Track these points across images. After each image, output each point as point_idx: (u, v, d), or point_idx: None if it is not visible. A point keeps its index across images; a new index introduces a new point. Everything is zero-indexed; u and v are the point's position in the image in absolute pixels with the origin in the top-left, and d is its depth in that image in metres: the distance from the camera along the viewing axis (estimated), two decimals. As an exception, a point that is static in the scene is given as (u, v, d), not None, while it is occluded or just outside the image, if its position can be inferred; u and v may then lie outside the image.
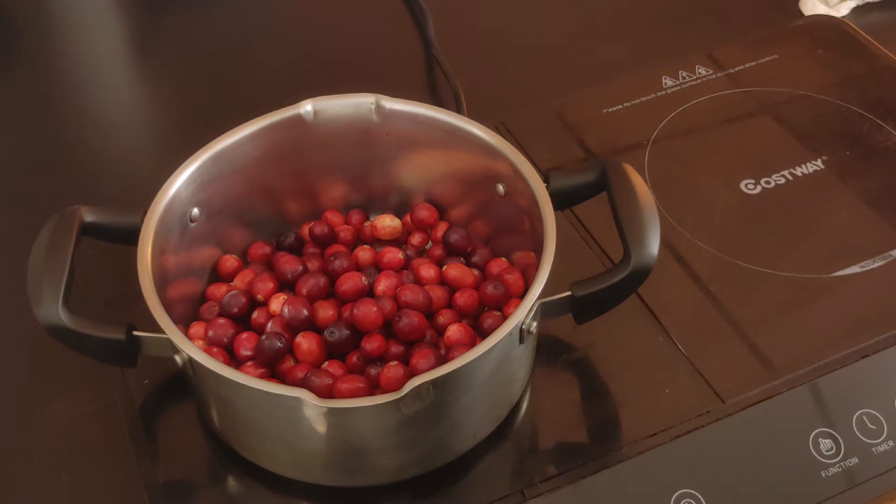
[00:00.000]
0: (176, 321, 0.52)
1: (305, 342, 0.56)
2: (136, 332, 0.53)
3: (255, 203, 0.64)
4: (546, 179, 0.58)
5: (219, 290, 0.62)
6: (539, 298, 0.52)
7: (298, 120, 0.62)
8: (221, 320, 0.58)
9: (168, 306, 0.53)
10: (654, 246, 0.54)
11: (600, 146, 0.76)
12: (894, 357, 0.62)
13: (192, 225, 0.60)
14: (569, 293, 0.54)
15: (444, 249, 0.64)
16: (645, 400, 0.60)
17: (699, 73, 0.83)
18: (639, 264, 0.53)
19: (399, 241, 0.65)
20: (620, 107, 0.80)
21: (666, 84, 0.81)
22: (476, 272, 0.62)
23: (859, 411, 0.59)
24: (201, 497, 0.57)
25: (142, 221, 0.56)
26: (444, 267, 0.61)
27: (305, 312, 0.57)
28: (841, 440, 0.58)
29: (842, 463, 0.57)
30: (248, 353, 0.57)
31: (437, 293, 0.60)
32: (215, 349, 0.57)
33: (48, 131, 0.81)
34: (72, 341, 0.52)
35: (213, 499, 0.57)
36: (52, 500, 0.56)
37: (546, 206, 0.56)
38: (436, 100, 0.82)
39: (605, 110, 0.79)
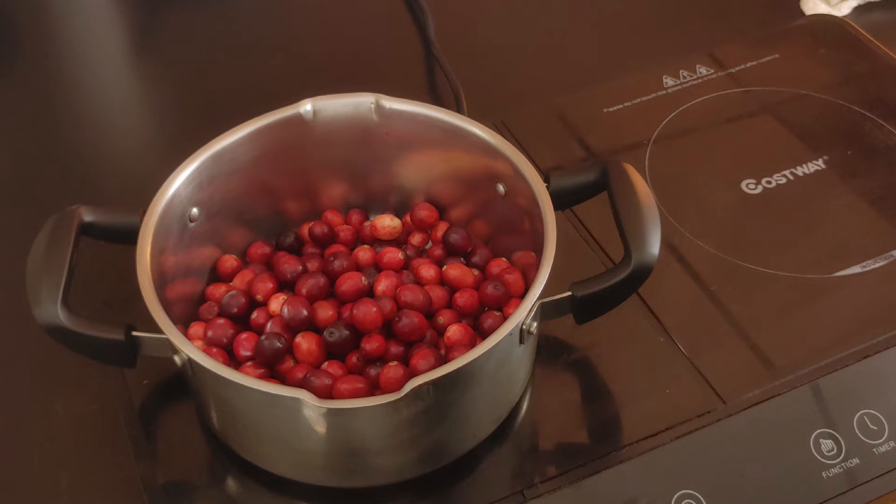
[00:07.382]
0: (175, 321, 0.52)
1: (305, 342, 0.56)
2: (135, 333, 0.53)
3: (254, 203, 0.64)
4: (546, 179, 0.58)
5: (218, 290, 0.62)
6: (539, 298, 0.52)
7: (298, 119, 0.62)
8: (221, 320, 0.58)
9: (167, 306, 0.53)
10: (654, 246, 0.54)
11: (601, 146, 0.76)
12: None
13: (192, 225, 0.60)
14: (569, 293, 0.54)
15: (444, 249, 0.64)
16: (645, 400, 0.60)
17: (700, 73, 0.82)
18: (639, 264, 0.53)
19: (399, 241, 0.65)
20: (621, 106, 0.80)
21: (667, 84, 0.81)
22: (476, 272, 0.62)
23: (860, 412, 0.59)
24: (201, 497, 0.57)
25: (141, 221, 0.56)
26: (444, 267, 0.61)
27: (305, 312, 0.57)
28: (842, 441, 0.58)
29: (843, 463, 0.57)
30: (248, 353, 0.57)
31: (437, 293, 0.59)
32: (214, 349, 0.57)
33: (48, 131, 0.81)
34: (71, 341, 0.52)
35: (212, 499, 0.57)
36: (51, 500, 0.56)
37: (546, 205, 0.56)
38: (436, 100, 0.81)
39: (605, 110, 0.79)
